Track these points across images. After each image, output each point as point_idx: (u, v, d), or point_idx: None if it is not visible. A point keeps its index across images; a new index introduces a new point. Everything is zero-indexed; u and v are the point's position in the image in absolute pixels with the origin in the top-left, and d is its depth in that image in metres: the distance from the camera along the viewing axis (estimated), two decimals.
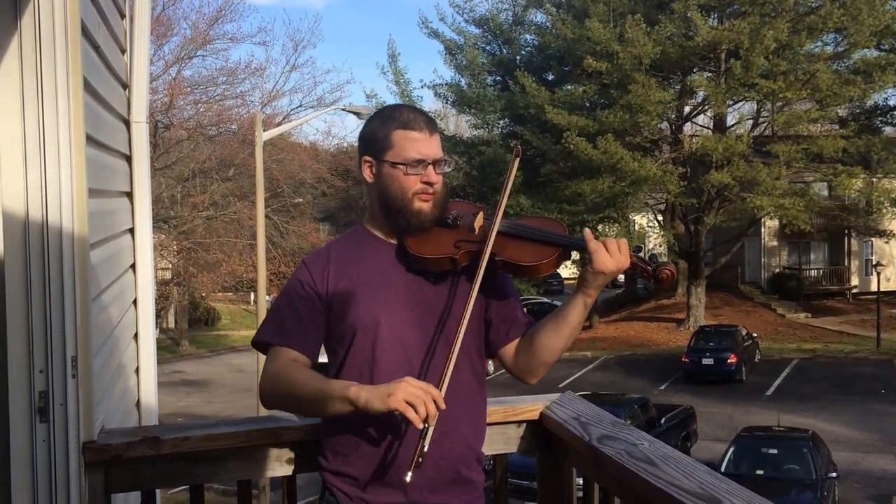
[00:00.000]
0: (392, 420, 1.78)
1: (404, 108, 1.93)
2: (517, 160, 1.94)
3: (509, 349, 1.98)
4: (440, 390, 1.69)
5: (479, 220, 1.92)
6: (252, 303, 34.77)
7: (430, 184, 1.87)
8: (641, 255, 1.85)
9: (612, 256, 1.78)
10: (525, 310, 2.04)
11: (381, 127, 1.90)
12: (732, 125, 31.02)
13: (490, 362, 2.16)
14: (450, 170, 1.94)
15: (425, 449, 1.68)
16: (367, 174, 1.92)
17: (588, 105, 29.10)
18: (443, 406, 1.65)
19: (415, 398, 1.63)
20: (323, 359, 1.91)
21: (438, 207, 1.90)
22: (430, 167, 1.87)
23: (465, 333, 1.81)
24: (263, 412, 2.34)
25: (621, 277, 36.33)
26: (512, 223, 1.91)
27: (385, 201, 1.90)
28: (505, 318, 1.97)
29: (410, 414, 1.62)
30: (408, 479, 1.69)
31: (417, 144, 1.86)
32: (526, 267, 1.86)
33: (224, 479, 2.31)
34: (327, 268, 1.92)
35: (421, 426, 1.64)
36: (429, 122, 1.90)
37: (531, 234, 1.89)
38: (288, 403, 1.87)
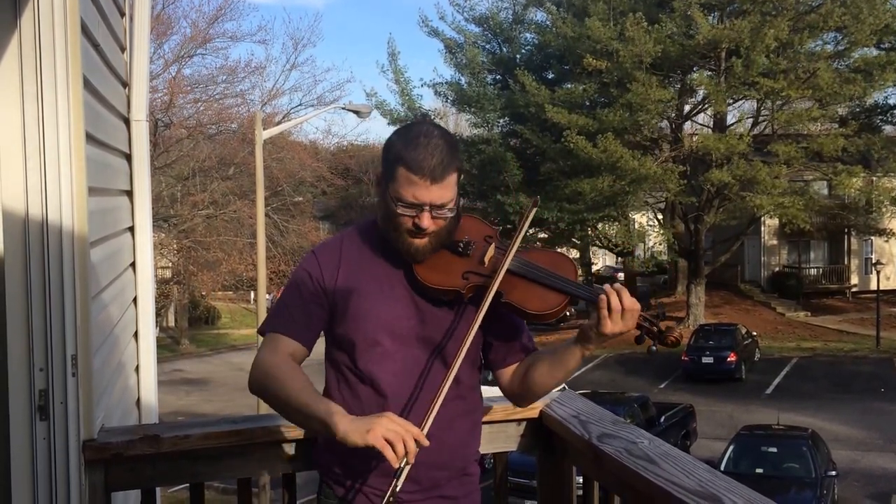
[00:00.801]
0: None
1: (420, 145, 1.78)
2: (534, 210, 1.94)
3: (505, 372, 1.98)
4: (425, 426, 1.68)
5: (489, 253, 1.89)
6: (252, 301, 34.75)
7: (419, 228, 1.80)
8: (651, 312, 1.82)
9: (621, 321, 1.76)
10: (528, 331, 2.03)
11: (396, 151, 1.81)
12: (732, 124, 31.01)
13: None
14: (452, 215, 1.83)
15: (398, 488, 1.66)
16: (375, 189, 1.91)
17: (588, 104, 29.05)
18: (425, 443, 1.64)
19: (393, 435, 1.61)
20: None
21: (437, 243, 1.85)
22: (426, 212, 1.78)
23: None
24: (264, 410, 2.34)
25: (621, 275, 36.32)
26: (523, 262, 1.87)
27: (382, 223, 1.88)
28: (505, 343, 1.97)
29: (388, 453, 1.60)
30: None
31: (414, 188, 1.77)
32: (531, 314, 1.84)
33: (224, 477, 2.32)
34: (337, 266, 1.90)
35: (397, 465, 1.63)
36: (434, 170, 1.76)
37: (541, 278, 1.85)
38: (271, 401, 1.84)
